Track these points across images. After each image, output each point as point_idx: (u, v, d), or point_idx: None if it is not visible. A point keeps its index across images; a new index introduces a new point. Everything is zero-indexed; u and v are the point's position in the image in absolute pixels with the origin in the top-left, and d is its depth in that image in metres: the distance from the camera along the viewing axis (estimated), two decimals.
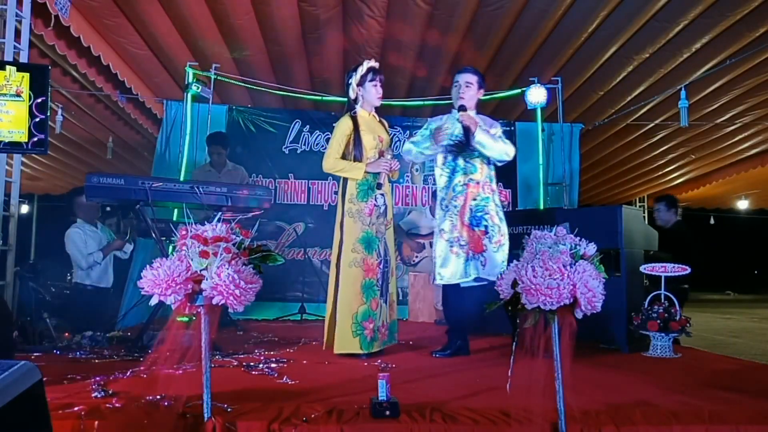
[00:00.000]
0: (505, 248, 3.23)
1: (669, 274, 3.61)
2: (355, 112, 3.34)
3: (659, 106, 6.43)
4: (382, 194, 3.29)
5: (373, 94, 3.33)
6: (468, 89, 3.27)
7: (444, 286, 3.30)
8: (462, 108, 3.16)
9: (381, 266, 3.22)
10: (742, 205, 12.83)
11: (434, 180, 5.97)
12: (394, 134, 5.79)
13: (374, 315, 3.17)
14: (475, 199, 3.23)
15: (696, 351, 3.65)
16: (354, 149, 3.28)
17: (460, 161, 3.27)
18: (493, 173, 3.34)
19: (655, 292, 3.55)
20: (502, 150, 3.22)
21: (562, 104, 5.72)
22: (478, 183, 3.25)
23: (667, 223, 5.01)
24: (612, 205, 7.91)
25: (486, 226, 3.21)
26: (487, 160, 3.29)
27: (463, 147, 3.24)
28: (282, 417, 1.79)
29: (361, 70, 3.32)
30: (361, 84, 3.32)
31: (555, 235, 1.81)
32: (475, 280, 3.20)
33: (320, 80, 5.97)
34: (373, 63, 3.38)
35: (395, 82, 5.93)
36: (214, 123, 5.48)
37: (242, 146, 5.73)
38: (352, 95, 3.36)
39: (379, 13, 4.68)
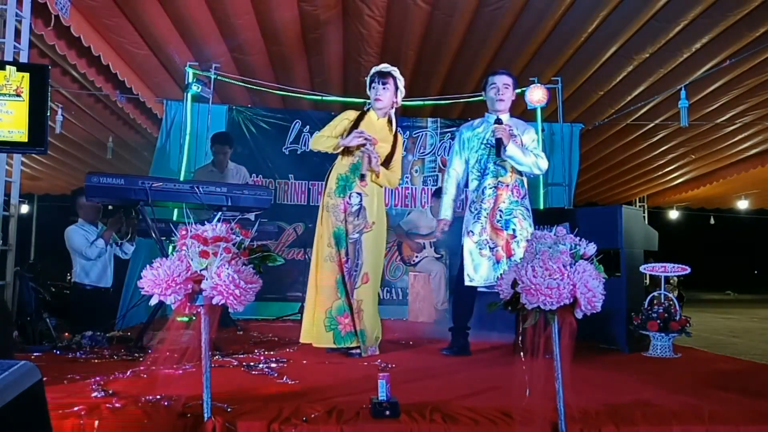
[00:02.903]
0: None
1: (669, 274, 3.61)
2: (366, 110, 3.38)
3: (659, 106, 6.43)
4: (359, 193, 3.22)
5: (371, 96, 3.34)
6: (506, 90, 3.32)
7: (458, 285, 3.31)
8: (498, 121, 3.26)
9: (346, 264, 3.18)
10: (742, 205, 12.83)
11: (433, 181, 6.05)
12: None
13: (347, 309, 3.15)
14: (504, 202, 3.24)
15: (696, 351, 3.65)
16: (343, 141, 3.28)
17: (491, 164, 3.29)
18: (523, 178, 3.36)
19: (654, 292, 3.55)
20: (534, 163, 3.26)
21: (562, 104, 5.72)
22: (507, 186, 3.27)
23: None
24: (612, 205, 7.91)
25: (514, 230, 3.22)
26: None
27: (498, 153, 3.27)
28: (282, 417, 1.78)
29: (368, 77, 3.37)
30: (369, 89, 3.37)
31: (555, 235, 1.81)
32: None
33: (320, 80, 5.97)
34: (379, 67, 3.37)
35: None
36: (214, 123, 5.48)
37: (242, 146, 5.73)
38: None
39: (379, 13, 4.68)
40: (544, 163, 3.30)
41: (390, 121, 3.39)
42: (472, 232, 3.25)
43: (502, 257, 3.18)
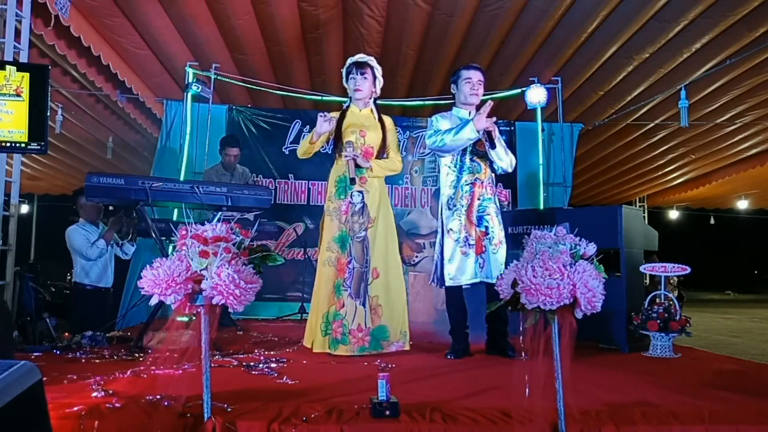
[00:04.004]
0: (503, 250, 3.23)
1: (669, 274, 3.61)
2: (346, 108, 3.37)
3: (659, 106, 6.44)
4: (360, 192, 3.22)
5: (350, 87, 3.34)
6: (480, 87, 3.31)
7: (447, 286, 3.26)
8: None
9: (350, 265, 3.17)
10: (742, 205, 12.84)
11: (433, 181, 6.05)
12: None
13: (338, 316, 3.12)
14: (479, 199, 3.23)
15: (696, 351, 3.64)
16: (332, 143, 3.31)
17: (467, 159, 3.26)
18: (493, 175, 3.36)
19: (654, 292, 3.55)
20: (510, 162, 3.28)
21: (562, 104, 5.72)
22: (482, 183, 3.26)
23: None
24: (612, 205, 7.91)
25: (486, 227, 3.21)
26: (490, 162, 3.30)
27: (475, 146, 3.25)
28: (282, 417, 1.78)
29: (344, 68, 3.38)
30: (346, 81, 3.38)
31: (555, 235, 1.80)
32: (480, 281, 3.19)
33: (320, 80, 5.97)
34: (355, 57, 3.36)
35: (395, 82, 5.93)
36: (214, 123, 5.48)
37: (242, 146, 5.74)
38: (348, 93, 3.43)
39: (379, 13, 4.68)
40: (514, 161, 3.33)
41: (372, 111, 3.40)
42: (451, 230, 3.21)
43: (478, 252, 3.18)
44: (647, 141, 7.79)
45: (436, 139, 3.22)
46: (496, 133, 3.16)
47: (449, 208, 3.25)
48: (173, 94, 5.84)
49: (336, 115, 3.36)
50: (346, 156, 3.17)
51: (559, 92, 5.60)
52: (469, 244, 3.18)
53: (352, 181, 3.16)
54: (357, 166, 3.20)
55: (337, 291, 3.16)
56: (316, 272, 3.33)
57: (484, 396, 2.21)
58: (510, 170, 3.32)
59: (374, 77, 3.36)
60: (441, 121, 3.33)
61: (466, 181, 3.24)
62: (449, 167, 3.30)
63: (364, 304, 3.16)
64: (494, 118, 3.18)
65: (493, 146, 3.18)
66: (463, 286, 3.22)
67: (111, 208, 5.15)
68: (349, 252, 3.18)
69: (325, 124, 3.19)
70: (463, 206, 3.22)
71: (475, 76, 3.29)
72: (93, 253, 4.45)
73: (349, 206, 3.22)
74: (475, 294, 3.30)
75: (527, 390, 1.82)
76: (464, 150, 3.26)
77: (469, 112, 3.32)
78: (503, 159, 3.24)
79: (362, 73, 3.30)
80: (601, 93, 6.15)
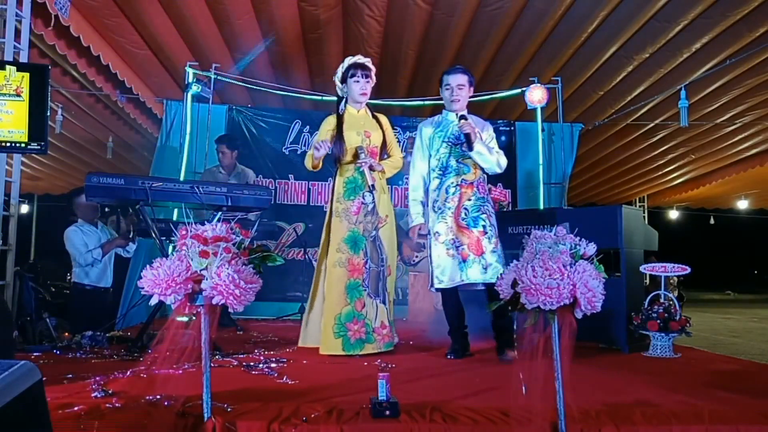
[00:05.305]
0: (500, 250, 3.22)
1: (669, 274, 3.61)
2: (342, 110, 3.37)
3: (659, 106, 6.44)
4: (371, 192, 3.24)
5: (354, 90, 3.32)
6: (461, 91, 3.28)
7: (442, 289, 3.26)
8: (462, 117, 3.21)
9: (366, 265, 3.18)
10: (742, 205, 12.84)
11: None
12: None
13: (360, 316, 3.13)
14: (470, 200, 3.20)
15: (696, 351, 3.64)
16: (335, 147, 3.30)
17: (452, 162, 3.24)
18: (485, 175, 3.34)
19: (655, 292, 3.55)
20: (496, 162, 3.23)
21: (562, 104, 5.72)
22: (471, 183, 3.23)
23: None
24: (612, 205, 7.90)
25: (484, 227, 3.19)
26: None
27: (461, 148, 3.25)
28: (282, 417, 1.78)
29: (342, 68, 3.38)
30: (343, 81, 3.37)
31: (555, 235, 1.80)
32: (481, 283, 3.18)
33: (320, 80, 5.97)
34: (356, 59, 3.37)
35: (395, 82, 5.93)
36: (214, 123, 5.48)
37: (242, 146, 5.74)
38: (339, 93, 3.43)
39: (379, 13, 4.68)
40: (504, 161, 3.27)
41: (367, 111, 3.43)
42: (438, 233, 3.19)
43: (468, 256, 3.12)
44: (647, 141, 7.79)
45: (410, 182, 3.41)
46: (474, 136, 3.13)
47: (435, 212, 3.24)
48: (173, 94, 5.84)
49: (328, 132, 3.34)
50: (361, 163, 3.21)
51: (559, 92, 5.60)
52: (456, 247, 3.15)
53: (372, 187, 3.21)
54: (371, 169, 3.24)
55: (354, 292, 3.16)
56: (320, 274, 3.33)
57: (484, 396, 2.21)
58: (499, 170, 3.27)
59: (372, 79, 3.40)
60: (423, 130, 3.37)
61: (452, 183, 3.21)
62: (433, 170, 3.29)
63: (384, 302, 3.22)
64: (470, 121, 3.18)
65: (470, 148, 3.14)
66: (460, 288, 3.22)
67: (107, 209, 5.16)
68: (365, 252, 3.20)
69: (321, 151, 3.21)
70: (449, 209, 3.19)
71: (454, 81, 3.28)
72: (85, 260, 4.44)
73: (361, 207, 3.23)
74: (477, 295, 3.30)
75: (524, 388, 1.82)
76: (449, 153, 3.25)
77: (456, 114, 3.31)
78: (488, 160, 3.20)
79: (367, 77, 3.33)
80: (601, 93, 6.15)
